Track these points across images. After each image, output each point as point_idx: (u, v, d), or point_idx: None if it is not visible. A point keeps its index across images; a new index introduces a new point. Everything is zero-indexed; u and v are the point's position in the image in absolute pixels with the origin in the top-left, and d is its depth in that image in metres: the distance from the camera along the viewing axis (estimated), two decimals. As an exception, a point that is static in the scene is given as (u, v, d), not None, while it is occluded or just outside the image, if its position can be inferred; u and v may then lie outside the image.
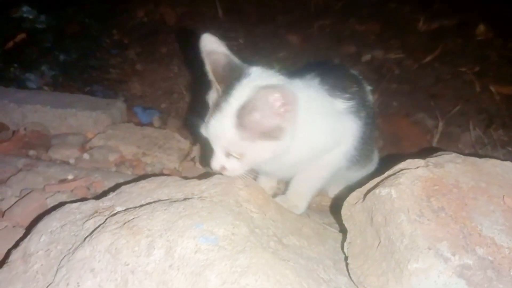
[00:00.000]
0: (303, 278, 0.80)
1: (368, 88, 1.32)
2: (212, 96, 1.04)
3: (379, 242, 0.86)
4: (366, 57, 2.81)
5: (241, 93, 0.98)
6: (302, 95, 1.03)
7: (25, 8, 2.95)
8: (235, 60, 1.05)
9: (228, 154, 1.02)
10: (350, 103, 1.19)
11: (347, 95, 1.19)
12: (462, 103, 2.41)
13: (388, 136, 2.14)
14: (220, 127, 0.99)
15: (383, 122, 2.27)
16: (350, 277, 0.91)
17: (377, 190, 0.88)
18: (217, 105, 1.00)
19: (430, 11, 3.26)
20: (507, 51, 2.97)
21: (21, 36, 2.68)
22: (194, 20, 3.02)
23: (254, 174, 1.24)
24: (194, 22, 2.99)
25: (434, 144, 2.12)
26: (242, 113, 0.96)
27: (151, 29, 2.90)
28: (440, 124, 2.15)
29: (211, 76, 1.03)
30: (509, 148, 2.18)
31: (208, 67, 1.03)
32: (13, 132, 1.73)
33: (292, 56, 2.69)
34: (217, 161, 1.03)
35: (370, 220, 0.89)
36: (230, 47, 1.07)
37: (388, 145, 2.09)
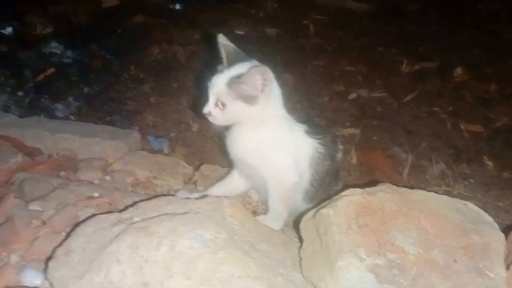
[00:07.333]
0: (264, 270, 1.14)
1: (341, 147, 1.70)
2: (219, 69, 1.49)
3: (321, 248, 1.20)
4: (353, 95, 3.14)
5: (239, 68, 1.42)
6: (284, 120, 1.55)
7: (53, 44, 3.38)
8: (242, 52, 1.50)
9: (216, 105, 1.44)
10: (321, 146, 1.57)
11: (322, 141, 1.58)
12: (432, 139, 2.75)
13: (364, 168, 2.48)
14: (218, 81, 1.43)
15: (362, 155, 2.61)
16: (302, 274, 1.24)
17: (321, 210, 1.23)
18: (221, 70, 1.45)
19: (414, 55, 3.62)
20: (480, 92, 3.31)
21: (51, 70, 3.06)
22: (202, 58, 3.42)
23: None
24: (202, 60, 3.39)
25: (405, 175, 2.45)
26: (234, 79, 1.40)
27: (164, 66, 3.25)
28: (409, 157, 2.49)
29: (224, 58, 1.48)
30: (471, 180, 2.50)
31: (223, 53, 1.48)
32: (48, 156, 2.10)
33: (286, 93, 3.05)
34: (208, 107, 1.47)
35: (317, 232, 1.23)
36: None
37: (363, 175, 2.42)
